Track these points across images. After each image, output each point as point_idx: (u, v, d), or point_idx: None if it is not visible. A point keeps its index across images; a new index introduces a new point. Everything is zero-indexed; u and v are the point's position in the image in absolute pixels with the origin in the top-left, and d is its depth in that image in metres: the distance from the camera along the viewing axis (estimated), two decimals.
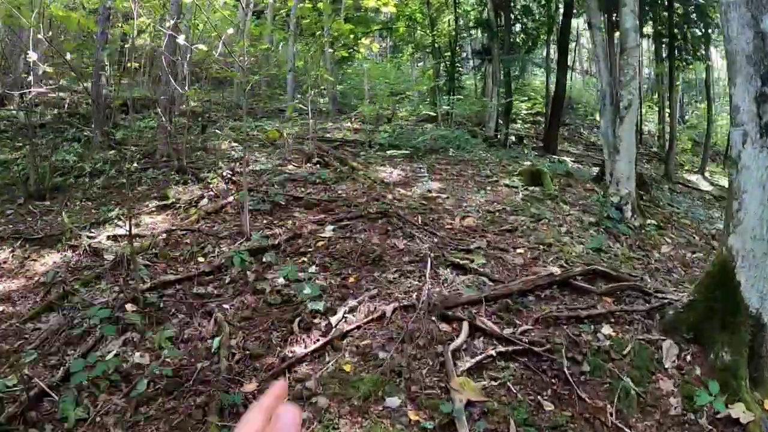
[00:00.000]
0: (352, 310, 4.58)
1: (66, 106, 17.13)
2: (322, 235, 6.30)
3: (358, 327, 4.32)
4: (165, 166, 10.63)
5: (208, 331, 4.92)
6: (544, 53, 25.24)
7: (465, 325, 4.18)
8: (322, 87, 13.16)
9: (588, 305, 4.79)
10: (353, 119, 16.97)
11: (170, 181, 9.54)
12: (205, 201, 8.65)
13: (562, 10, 20.09)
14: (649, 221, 9.55)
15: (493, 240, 6.41)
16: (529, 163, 12.76)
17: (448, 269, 5.28)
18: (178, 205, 8.53)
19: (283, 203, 7.92)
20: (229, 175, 9.60)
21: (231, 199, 8.39)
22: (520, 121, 24.78)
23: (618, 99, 9.58)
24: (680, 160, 24.01)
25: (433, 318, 4.27)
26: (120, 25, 17.13)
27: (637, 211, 9.59)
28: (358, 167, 9.98)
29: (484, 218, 7.31)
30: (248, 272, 5.65)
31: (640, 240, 8.50)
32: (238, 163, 10.62)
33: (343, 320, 4.47)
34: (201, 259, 6.36)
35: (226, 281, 5.65)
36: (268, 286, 5.27)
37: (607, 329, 4.37)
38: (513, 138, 19.70)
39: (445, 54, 19.96)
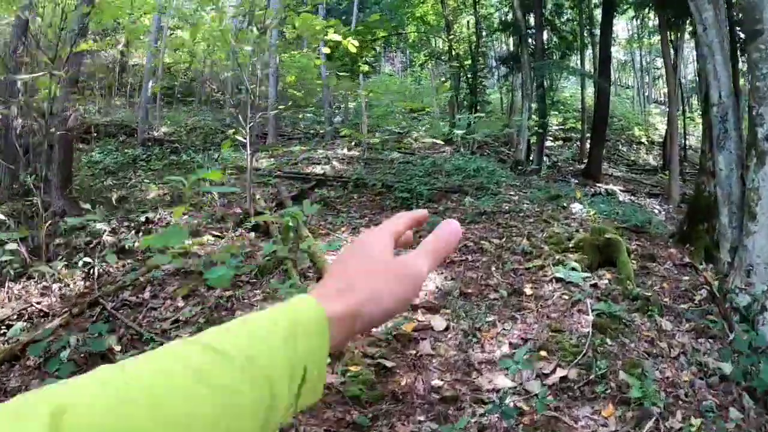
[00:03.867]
0: None
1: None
2: None
3: None
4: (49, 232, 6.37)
5: None
6: (578, 60, 20.35)
7: None
8: (279, 107, 8.74)
9: None
10: (353, 144, 12.57)
11: (13, 272, 5.20)
12: (18, 327, 4.36)
13: (600, 8, 15.43)
14: None
15: None
16: (579, 208, 8.13)
17: None
18: None
19: None
20: (98, 262, 5.25)
21: (55, 323, 4.06)
22: (551, 138, 19.82)
23: (753, 122, 4.98)
24: None
25: None
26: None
27: None
28: (311, 240, 5.51)
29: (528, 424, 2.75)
30: None
31: None
32: (136, 232, 6.28)
33: None
34: None
35: None
36: None
37: None
38: (546, 160, 15.06)
39: (465, 63, 15.31)
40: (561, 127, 21.03)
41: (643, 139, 23.50)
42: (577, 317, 4.03)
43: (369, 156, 11.27)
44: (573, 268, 4.84)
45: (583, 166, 15.34)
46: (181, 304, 4.49)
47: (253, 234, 5.99)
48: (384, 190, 8.20)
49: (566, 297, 4.35)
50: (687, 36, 16.90)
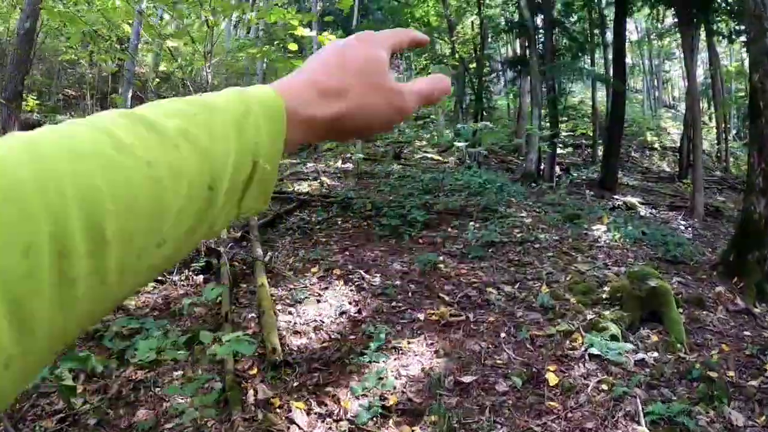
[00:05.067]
0: None
1: None
2: None
3: None
4: None
5: None
6: (588, 62, 18.82)
7: None
8: None
9: None
10: (347, 156, 11.24)
11: None
12: None
13: (613, 6, 13.97)
14: None
15: None
16: (602, 230, 6.75)
17: None
18: None
19: None
20: None
21: None
22: (560, 145, 18.32)
23: None
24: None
25: None
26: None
27: None
28: (264, 292, 4.19)
29: None
30: None
31: None
32: None
33: None
34: None
35: None
36: None
37: None
38: (558, 169, 13.65)
39: (470, 66, 13.91)
40: (571, 133, 19.55)
41: (656, 145, 21.97)
42: (624, 428, 2.67)
43: (363, 170, 9.95)
44: (612, 336, 3.47)
45: (596, 176, 13.94)
46: (79, 389, 3.19)
47: (201, 277, 4.67)
48: (373, 214, 6.86)
49: (605, 388, 2.98)
50: (702, 35, 15.46)
